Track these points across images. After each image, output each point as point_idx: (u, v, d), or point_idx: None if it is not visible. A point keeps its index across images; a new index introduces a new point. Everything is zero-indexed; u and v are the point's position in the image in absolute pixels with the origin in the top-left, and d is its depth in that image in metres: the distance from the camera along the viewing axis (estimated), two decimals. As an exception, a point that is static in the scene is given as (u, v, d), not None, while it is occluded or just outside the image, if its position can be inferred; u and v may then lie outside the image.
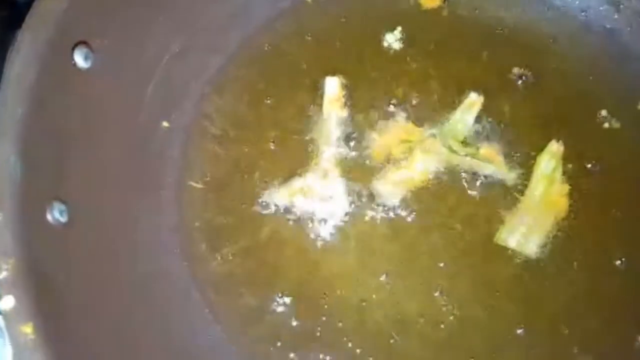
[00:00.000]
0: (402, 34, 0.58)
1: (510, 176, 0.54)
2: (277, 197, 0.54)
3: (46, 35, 0.42)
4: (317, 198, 0.53)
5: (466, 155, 0.54)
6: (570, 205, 0.53)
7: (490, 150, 0.55)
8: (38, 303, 0.36)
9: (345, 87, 0.56)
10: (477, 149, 0.54)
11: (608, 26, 0.58)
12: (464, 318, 0.51)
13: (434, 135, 0.55)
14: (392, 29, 0.58)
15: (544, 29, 0.58)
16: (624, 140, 0.55)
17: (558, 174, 0.54)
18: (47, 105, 0.42)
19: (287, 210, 0.53)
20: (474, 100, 0.55)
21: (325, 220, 0.53)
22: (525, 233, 0.52)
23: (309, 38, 0.58)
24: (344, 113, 0.56)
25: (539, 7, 0.59)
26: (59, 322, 0.37)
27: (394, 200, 0.53)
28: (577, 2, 0.58)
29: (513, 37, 0.58)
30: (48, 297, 0.37)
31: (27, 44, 0.41)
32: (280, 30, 0.58)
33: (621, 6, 0.57)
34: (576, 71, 0.57)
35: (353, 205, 0.54)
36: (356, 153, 0.55)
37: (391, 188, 0.54)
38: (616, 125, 0.55)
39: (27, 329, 0.35)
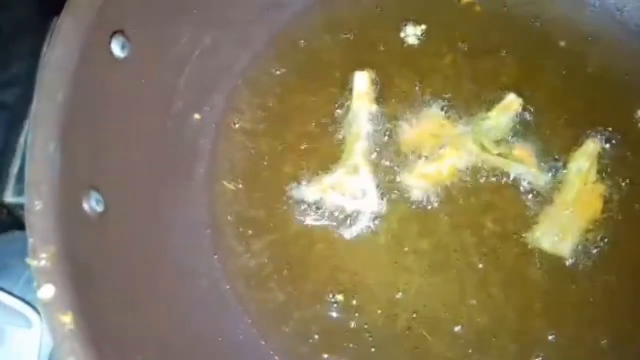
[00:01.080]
0: (431, 29, 0.58)
1: (542, 177, 0.53)
2: (308, 192, 0.53)
3: (86, 22, 0.42)
4: (347, 193, 0.53)
5: (499, 154, 0.53)
6: (604, 206, 0.53)
7: (523, 151, 0.54)
8: (76, 292, 0.36)
9: (375, 81, 0.56)
10: (511, 149, 0.54)
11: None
12: (494, 319, 0.51)
13: (466, 133, 0.54)
14: (422, 23, 0.58)
15: (580, 27, 0.58)
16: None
17: (593, 174, 0.53)
18: (85, 93, 0.41)
19: (317, 205, 0.53)
20: (511, 101, 0.55)
21: (355, 216, 0.53)
22: (559, 234, 0.52)
23: (340, 32, 0.58)
24: (374, 108, 0.55)
25: (575, 4, 0.58)
26: (95, 312, 0.37)
27: (424, 195, 0.53)
28: (612, 1, 0.58)
29: (546, 35, 0.57)
30: (85, 287, 0.37)
31: (67, 30, 0.41)
32: (311, 24, 0.58)
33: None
34: (612, 70, 0.56)
35: (384, 201, 0.53)
36: (387, 148, 0.55)
37: (421, 182, 0.53)
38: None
39: (67, 319, 0.35)
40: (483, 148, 0.54)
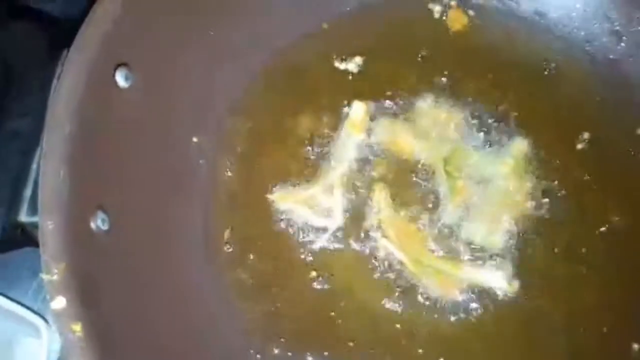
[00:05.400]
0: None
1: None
2: (282, 201, 0.57)
3: (93, 56, 0.46)
4: (317, 209, 0.57)
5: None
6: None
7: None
8: (85, 304, 0.40)
9: (370, 114, 0.59)
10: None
11: (611, 57, 0.61)
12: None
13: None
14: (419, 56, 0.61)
15: (548, 57, 0.61)
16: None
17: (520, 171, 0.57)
18: (91, 122, 0.45)
19: (289, 216, 0.57)
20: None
21: (321, 232, 0.56)
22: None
23: (331, 61, 0.61)
24: (362, 137, 0.58)
25: (546, 35, 0.62)
26: (103, 322, 0.41)
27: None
28: (582, 33, 0.62)
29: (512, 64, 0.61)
30: (94, 298, 0.41)
31: (75, 64, 0.45)
32: (304, 53, 0.62)
33: (624, 37, 0.61)
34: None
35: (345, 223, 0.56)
36: (363, 179, 0.58)
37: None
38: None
39: (77, 327, 0.39)
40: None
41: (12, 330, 0.56)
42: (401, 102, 0.60)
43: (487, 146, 0.58)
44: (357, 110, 0.59)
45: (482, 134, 0.58)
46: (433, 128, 0.59)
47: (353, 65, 0.61)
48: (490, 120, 0.59)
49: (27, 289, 0.57)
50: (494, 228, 0.56)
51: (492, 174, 0.57)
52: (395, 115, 0.59)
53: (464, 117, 0.59)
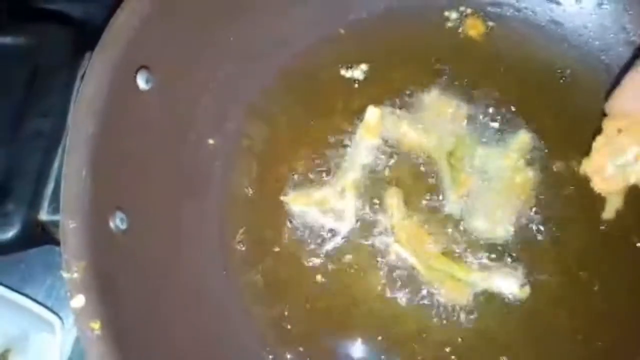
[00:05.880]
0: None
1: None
2: (294, 202, 0.57)
3: (115, 59, 0.47)
4: (329, 212, 0.57)
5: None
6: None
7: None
8: (104, 302, 0.41)
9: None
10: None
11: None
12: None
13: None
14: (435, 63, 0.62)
15: (563, 66, 0.62)
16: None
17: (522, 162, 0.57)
18: (113, 124, 0.46)
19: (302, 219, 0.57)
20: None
21: (331, 235, 0.57)
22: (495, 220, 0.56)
23: (345, 67, 0.62)
24: (376, 142, 0.59)
25: (561, 44, 0.62)
26: (121, 320, 0.42)
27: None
28: (597, 43, 0.62)
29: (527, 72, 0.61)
30: (112, 297, 0.42)
31: (98, 67, 0.46)
32: (319, 58, 0.62)
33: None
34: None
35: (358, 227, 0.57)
36: (375, 181, 0.58)
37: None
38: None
39: (95, 325, 0.40)
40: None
41: (26, 326, 0.57)
42: (408, 99, 0.61)
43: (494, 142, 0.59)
44: (372, 115, 0.59)
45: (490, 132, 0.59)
46: (438, 122, 0.59)
47: (360, 71, 0.62)
48: (500, 125, 0.59)
49: (41, 286, 0.58)
50: (499, 221, 0.56)
51: (496, 168, 0.58)
52: (403, 112, 0.60)
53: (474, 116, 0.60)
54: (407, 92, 0.60)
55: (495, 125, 0.59)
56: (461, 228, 0.56)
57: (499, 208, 0.56)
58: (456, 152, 0.58)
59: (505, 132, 0.59)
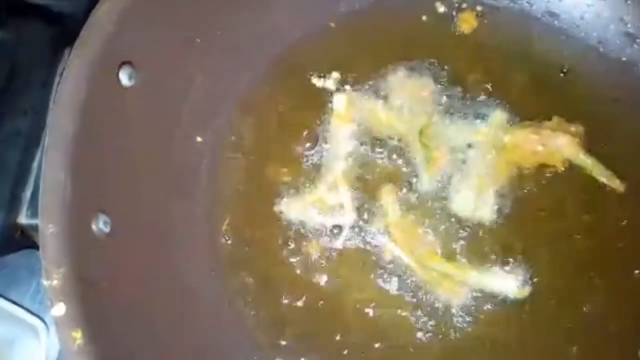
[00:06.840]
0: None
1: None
2: (291, 211, 0.56)
3: (95, 55, 0.45)
4: (327, 209, 0.56)
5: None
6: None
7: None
8: (86, 310, 0.39)
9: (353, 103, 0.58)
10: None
11: (624, 59, 0.60)
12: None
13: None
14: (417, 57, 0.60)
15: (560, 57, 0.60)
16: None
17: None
18: (94, 123, 0.44)
19: (302, 223, 0.56)
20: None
21: (337, 231, 0.56)
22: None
23: (334, 59, 0.61)
24: (352, 128, 0.58)
25: (558, 36, 0.61)
26: (104, 328, 0.40)
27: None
28: (595, 34, 0.61)
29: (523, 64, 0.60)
30: (94, 304, 0.40)
31: (77, 65, 0.44)
32: (307, 51, 0.61)
33: (637, 40, 0.60)
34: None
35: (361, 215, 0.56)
36: (362, 169, 0.57)
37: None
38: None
39: (77, 334, 0.38)
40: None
41: (10, 331, 0.56)
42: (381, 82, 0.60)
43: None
44: (339, 102, 0.58)
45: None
46: (408, 102, 0.59)
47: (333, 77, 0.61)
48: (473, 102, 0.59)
49: (25, 290, 0.57)
50: (482, 201, 0.56)
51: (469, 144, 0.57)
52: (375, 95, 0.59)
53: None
54: (380, 74, 0.60)
55: (468, 102, 0.59)
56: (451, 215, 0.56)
57: (481, 188, 0.56)
58: (426, 130, 0.58)
59: (479, 109, 0.58)
